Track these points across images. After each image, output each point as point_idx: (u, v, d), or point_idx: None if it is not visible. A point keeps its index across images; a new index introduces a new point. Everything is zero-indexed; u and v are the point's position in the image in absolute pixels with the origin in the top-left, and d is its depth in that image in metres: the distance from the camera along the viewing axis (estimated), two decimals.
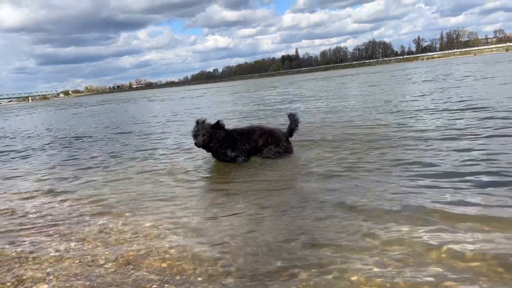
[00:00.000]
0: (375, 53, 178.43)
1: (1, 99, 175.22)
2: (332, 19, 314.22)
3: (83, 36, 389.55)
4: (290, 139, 6.16)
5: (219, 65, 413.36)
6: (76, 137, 11.77)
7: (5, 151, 9.92)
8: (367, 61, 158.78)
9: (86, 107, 40.32)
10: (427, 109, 9.60)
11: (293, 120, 6.05)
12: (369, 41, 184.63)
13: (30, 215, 4.27)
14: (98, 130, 13.51)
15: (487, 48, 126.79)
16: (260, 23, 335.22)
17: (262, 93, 27.95)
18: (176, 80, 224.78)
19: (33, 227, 3.85)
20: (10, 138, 13.57)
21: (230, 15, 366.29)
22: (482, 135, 5.93)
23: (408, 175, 4.35)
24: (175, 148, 7.70)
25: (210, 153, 6.00)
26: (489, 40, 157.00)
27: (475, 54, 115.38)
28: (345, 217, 3.33)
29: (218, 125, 5.74)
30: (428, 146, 5.64)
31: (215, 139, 5.70)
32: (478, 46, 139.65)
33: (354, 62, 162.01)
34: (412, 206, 3.40)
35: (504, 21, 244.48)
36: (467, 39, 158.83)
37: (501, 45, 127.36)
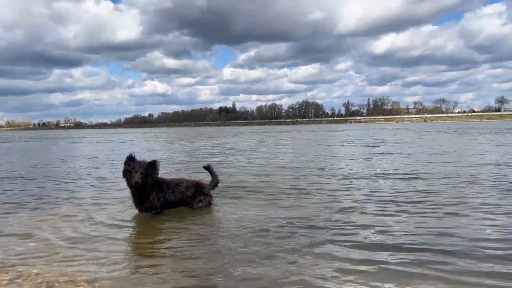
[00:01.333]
0: (308, 112, 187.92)
1: None
2: (269, 77, 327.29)
3: (11, 69, 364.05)
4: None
5: (155, 110, 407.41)
6: None
7: None
8: (300, 119, 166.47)
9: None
10: (362, 175, 9.85)
11: (214, 175, 6.34)
12: (303, 101, 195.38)
13: None
14: (9, 170, 12.20)
15: (407, 117, 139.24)
16: (200, 74, 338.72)
17: (198, 144, 27.57)
18: (108, 122, 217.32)
19: None
20: None
21: (171, 63, 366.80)
22: (415, 205, 6.07)
23: (332, 250, 4.17)
24: (93, 198, 7.02)
25: (131, 196, 5.42)
26: (409, 110, 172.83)
27: (397, 122, 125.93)
28: None
29: (155, 165, 5.31)
30: (357, 213, 5.62)
31: (150, 180, 5.24)
32: (400, 114, 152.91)
33: (287, 120, 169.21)
34: None
35: (423, 94, 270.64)
36: (390, 107, 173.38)
37: (420, 115, 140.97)
